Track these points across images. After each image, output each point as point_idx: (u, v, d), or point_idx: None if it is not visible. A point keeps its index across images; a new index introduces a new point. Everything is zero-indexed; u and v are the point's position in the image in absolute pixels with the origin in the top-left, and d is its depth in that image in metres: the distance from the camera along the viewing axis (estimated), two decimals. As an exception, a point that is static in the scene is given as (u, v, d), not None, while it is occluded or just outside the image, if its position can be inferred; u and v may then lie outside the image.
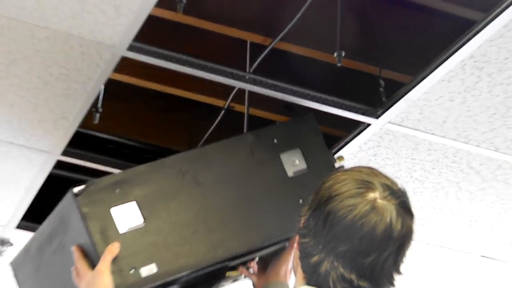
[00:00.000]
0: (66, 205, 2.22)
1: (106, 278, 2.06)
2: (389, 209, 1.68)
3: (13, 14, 2.21)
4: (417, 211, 3.08)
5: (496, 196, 2.91)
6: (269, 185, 2.33)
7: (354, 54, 2.52)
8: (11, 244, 3.46)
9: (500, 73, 2.34)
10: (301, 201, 2.29)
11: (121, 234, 2.12)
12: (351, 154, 2.71)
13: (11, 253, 3.53)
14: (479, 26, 2.18)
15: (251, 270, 2.36)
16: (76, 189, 2.15)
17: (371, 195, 1.69)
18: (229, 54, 2.63)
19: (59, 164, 2.90)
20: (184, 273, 2.17)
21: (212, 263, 2.21)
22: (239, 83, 2.39)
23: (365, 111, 2.51)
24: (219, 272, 2.39)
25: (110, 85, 2.54)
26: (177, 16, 2.45)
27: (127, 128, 2.94)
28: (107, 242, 2.10)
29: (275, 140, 2.35)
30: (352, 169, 1.75)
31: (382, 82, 2.55)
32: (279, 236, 2.27)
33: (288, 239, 2.30)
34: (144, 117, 2.99)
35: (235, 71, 2.38)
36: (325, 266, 1.68)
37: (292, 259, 2.16)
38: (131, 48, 2.29)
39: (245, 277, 2.40)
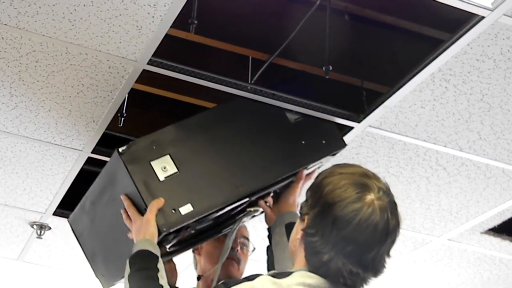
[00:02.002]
0: (113, 163, 2.28)
1: (152, 226, 2.10)
2: (385, 208, 1.68)
3: (51, 34, 2.20)
4: (393, 201, 3.08)
5: (460, 189, 2.90)
6: (275, 132, 2.39)
7: (340, 68, 2.51)
8: (49, 228, 3.45)
9: (464, 85, 2.33)
10: (303, 142, 2.39)
11: (160, 181, 2.18)
12: (338, 153, 2.69)
13: (49, 236, 3.52)
14: (446, 45, 2.18)
15: (268, 204, 2.41)
16: (120, 149, 2.22)
17: (369, 197, 1.67)
18: (233, 68, 2.62)
19: (90, 161, 2.89)
20: (215, 209, 2.22)
21: (236, 199, 2.27)
22: (242, 92, 2.39)
23: (349, 116, 2.50)
24: (241, 209, 2.44)
25: (133, 94, 2.53)
26: (190, 36, 2.44)
27: (147, 130, 2.93)
28: (149, 190, 2.16)
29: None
30: (347, 171, 1.72)
31: (363, 92, 2.54)
32: (287, 172, 2.34)
33: (295, 174, 2.37)
34: (162, 122, 2.97)
35: (238, 82, 2.37)
36: (336, 263, 1.65)
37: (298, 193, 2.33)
38: (151, 62, 2.29)
39: (262, 212, 2.45)
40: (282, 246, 2.26)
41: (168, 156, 2.23)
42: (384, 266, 1.69)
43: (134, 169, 2.19)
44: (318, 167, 2.52)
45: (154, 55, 2.26)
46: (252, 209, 2.43)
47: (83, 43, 2.23)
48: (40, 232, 3.44)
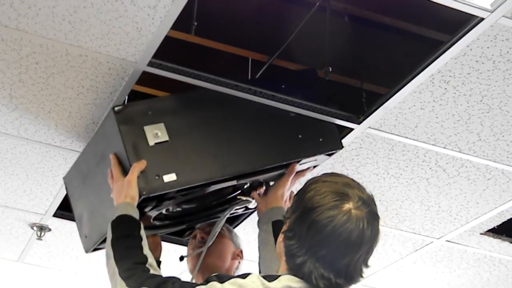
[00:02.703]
0: (107, 121, 2.29)
1: (134, 188, 2.12)
2: (361, 218, 1.71)
3: (51, 35, 2.20)
4: (393, 203, 3.10)
5: (460, 190, 2.90)
6: (274, 122, 2.38)
7: (340, 69, 2.52)
8: (50, 230, 3.45)
9: (463, 86, 2.33)
10: (300, 136, 2.38)
11: (149, 146, 2.19)
12: (338, 155, 2.69)
13: (49, 238, 3.52)
14: (446, 46, 2.18)
15: (260, 194, 2.42)
16: (116, 108, 2.24)
17: (347, 206, 1.71)
18: (233, 69, 2.63)
19: (90, 162, 2.90)
20: (198, 183, 2.22)
21: (222, 177, 2.26)
22: (243, 94, 2.38)
23: (349, 117, 2.50)
24: (231, 196, 2.46)
25: (133, 95, 2.53)
26: (190, 37, 2.45)
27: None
28: (137, 152, 2.17)
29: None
30: (331, 180, 1.77)
31: (363, 93, 2.54)
32: (278, 162, 2.34)
33: (286, 165, 2.36)
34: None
35: (239, 84, 2.37)
36: (309, 266, 1.70)
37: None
38: (151, 64, 2.29)
39: (255, 202, 2.45)
40: (268, 246, 2.28)
41: (162, 124, 2.24)
42: (360, 275, 1.73)
43: (126, 130, 2.19)
44: (314, 166, 2.53)
45: (154, 56, 2.26)
46: (244, 198, 2.43)
47: (83, 44, 2.23)
48: (40, 233, 3.44)
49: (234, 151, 2.28)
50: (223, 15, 2.44)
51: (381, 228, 1.76)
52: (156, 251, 2.48)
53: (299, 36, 2.43)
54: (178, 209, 2.48)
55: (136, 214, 2.09)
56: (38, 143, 2.76)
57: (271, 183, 2.44)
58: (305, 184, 1.79)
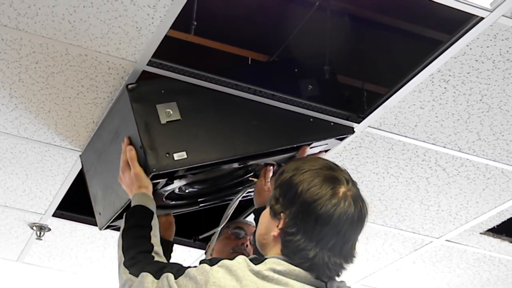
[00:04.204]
0: (121, 98, 2.32)
1: (143, 177, 2.16)
2: (357, 198, 1.77)
3: (51, 35, 2.20)
4: (393, 202, 3.10)
5: (459, 189, 2.90)
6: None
7: (339, 68, 2.52)
8: (49, 229, 3.45)
9: (463, 85, 2.34)
10: (311, 119, 2.41)
11: (161, 124, 2.21)
12: (337, 153, 2.70)
13: (49, 237, 3.52)
14: (445, 45, 2.18)
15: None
16: (129, 85, 2.26)
17: (341, 190, 1.76)
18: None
19: (89, 162, 2.90)
20: (209, 162, 2.24)
21: (231, 158, 2.28)
22: (242, 93, 2.38)
23: (349, 116, 2.51)
24: (244, 180, 2.46)
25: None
26: (190, 37, 2.45)
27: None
28: (148, 130, 2.19)
29: None
30: (314, 166, 1.79)
31: (363, 93, 2.54)
32: (288, 144, 2.36)
33: (297, 148, 2.38)
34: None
35: (238, 83, 2.37)
36: (322, 258, 1.73)
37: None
38: (150, 63, 2.29)
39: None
40: None
41: (174, 103, 2.26)
42: (356, 252, 1.79)
43: (138, 108, 2.22)
44: (325, 151, 2.54)
45: (153, 56, 2.26)
46: (255, 179, 2.45)
47: (83, 44, 2.23)
48: (40, 233, 3.44)
49: (245, 132, 2.31)
50: (222, 15, 2.45)
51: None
52: (169, 231, 2.52)
53: (299, 37, 2.43)
54: (191, 189, 2.50)
55: (150, 203, 2.13)
56: (37, 143, 2.76)
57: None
58: (283, 175, 1.81)
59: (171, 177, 2.27)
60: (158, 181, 2.25)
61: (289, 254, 1.76)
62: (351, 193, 1.76)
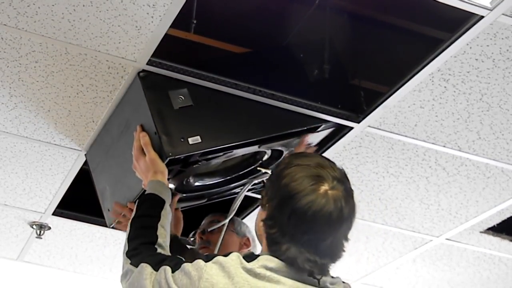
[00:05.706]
0: (132, 87, 2.34)
1: (158, 163, 2.16)
2: (338, 197, 1.75)
3: (50, 34, 2.20)
4: (393, 201, 3.10)
5: (460, 188, 2.90)
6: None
7: (339, 68, 2.52)
8: (49, 228, 3.45)
9: (463, 84, 2.33)
10: (319, 103, 2.44)
11: (174, 110, 2.24)
12: (337, 153, 2.70)
13: (49, 236, 3.52)
14: (445, 44, 2.18)
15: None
16: (141, 73, 2.29)
17: (323, 188, 1.74)
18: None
19: (89, 161, 2.90)
20: (223, 145, 2.27)
21: (245, 140, 2.30)
22: (241, 93, 2.38)
23: (348, 116, 2.51)
24: (252, 170, 2.50)
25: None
26: (189, 35, 2.44)
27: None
28: (162, 116, 2.21)
29: None
30: (303, 162, 1.79)
31: (362, 92, 2.54)
32: (294, 129, 2.40)
33: (300, 132, 2.42)
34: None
35: (238, 82, 2.37)
36: (294, 252, 1.73)
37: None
38: (150, 62, 2.29)
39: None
40: None
41: (186, 90, 2.29)
42: (342, 250, 1.77)
43: (151, 94, 2.24)
44: (317, 145, 2.56)
45: (153, 55, 2.26)
46: (263, 170, 2.46)
47: (83, 43, 2.23)
48: (40, 232, 3.44)
49: (257, 115, 2.35)
50: (222, 13, 2.44)
51: (356, 202, 1.80)
52: (177, 227, 2.53)
53: (298, 35, 2.43)
54: (199, 183, 2.50)
55: (164, 191, 2.11)
56: (37, 142, 2.76)
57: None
58: (277, 168, 1.82)
59: (185, 163, 2.28)
60: (171, 167, 2.25)
61: (272, 247, 1.77)
62: (334, 192, 1.74)
